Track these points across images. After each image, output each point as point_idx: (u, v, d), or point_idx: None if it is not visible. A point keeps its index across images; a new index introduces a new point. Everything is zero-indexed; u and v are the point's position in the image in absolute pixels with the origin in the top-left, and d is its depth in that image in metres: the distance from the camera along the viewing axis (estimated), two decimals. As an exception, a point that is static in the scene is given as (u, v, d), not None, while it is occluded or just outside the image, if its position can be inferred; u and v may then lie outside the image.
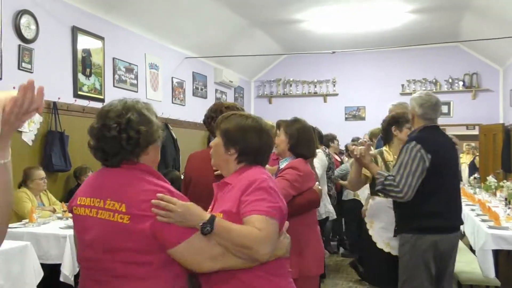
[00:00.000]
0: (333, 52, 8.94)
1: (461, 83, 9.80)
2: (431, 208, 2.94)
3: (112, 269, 1.62)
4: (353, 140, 7.39)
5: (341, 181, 6.65)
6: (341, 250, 7.11)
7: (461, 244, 4.98)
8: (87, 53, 5.95)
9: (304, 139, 2.81)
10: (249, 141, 1.88)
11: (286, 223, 1.88)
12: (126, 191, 1.61)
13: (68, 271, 3.72)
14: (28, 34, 5.01)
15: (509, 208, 4.65)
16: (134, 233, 1.57)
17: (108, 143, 1.65)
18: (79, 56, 5.81)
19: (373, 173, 3.15)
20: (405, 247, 3.04)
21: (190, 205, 1.62)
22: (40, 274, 3.55)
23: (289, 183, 2.58)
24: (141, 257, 1.59)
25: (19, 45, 4.93)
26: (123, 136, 1.63)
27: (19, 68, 4.93)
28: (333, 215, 5.34)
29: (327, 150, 5.85)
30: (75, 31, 5.72)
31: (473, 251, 4.44)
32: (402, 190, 2.90)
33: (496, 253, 3.79)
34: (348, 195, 6.80)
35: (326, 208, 5.13)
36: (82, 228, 1.69)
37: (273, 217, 1.68)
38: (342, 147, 8.19)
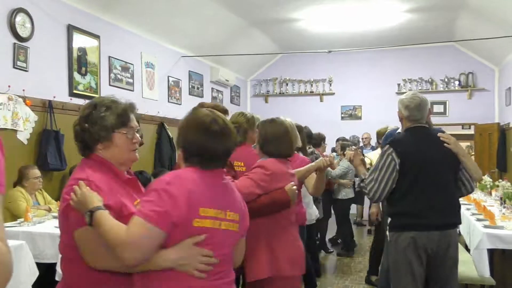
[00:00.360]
0: (330, 51, 8.94)
1: (457, 82, 9.83)
2: (407, 207, 3.00)
3: (60, 249, 1.80)
4: (343, 140, 7.40)
5: (340, 180, 6.63)
6: (332, 249, 7.05)
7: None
8: (83, 51, 5.93)
9: (273, 139, 2.76)
10: (189, 140, 1.78)
11: (198, 237, 1.63)
12: (70, 178, 1.80)
13: (63, 270, 3.71)
14: (23, 32, 4.99)
15: (504, 207, 4.67)
16: (60, 216, 1.74)
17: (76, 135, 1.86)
18: (75, 54, 5.78)
19: (359, 174, 3.30)
20: (390, 245, 3.13)
21: (87, 192, 1.64)
22: (36, 273, 3.54)
23: (253, 181, 2.56)
24: (68, 239, 1.71)
25: (14, 44, 4.91)
26: (77, 128, 1.83)
27: (14, 67, 4.91)
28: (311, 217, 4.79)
29: (310, 150, 5.58)
30: (70, 29, 5.70)
31: (468, 250, 4.45)
32: (370, 192, 3.05)
33: (491, 252, 3.80)
34: (348, 194, 6.76)
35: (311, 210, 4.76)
36: None
37: (151, 222, 1.55)
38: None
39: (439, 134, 3.08)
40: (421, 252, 2.97)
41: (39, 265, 3.64)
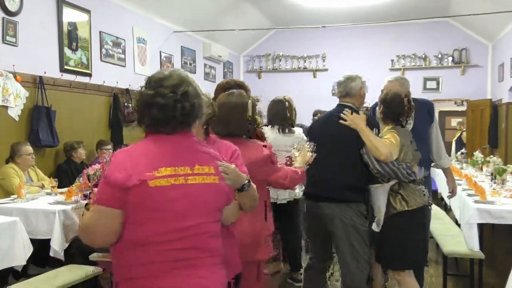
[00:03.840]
0: (323, 27, 8.86)
1: (450, 58, 9.81)
2: (308, 178, 3.08)
3: (209, 231, 1.69)
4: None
5: None
6: None
7: (446, 217, 5.07)
8: (73, 26, 5.83)
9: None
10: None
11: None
12: (203, 155, 1.72)
13: (58, 246, 3.72)
14: (12, 6, 4.89)
15: (494, 182, 4.71)
16: (224, 191, 1.75)
17: (160, 111, 1.64)
18: (65, 29, 5.69)
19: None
20: None
21: (235, 168, 1.83)
22: (30, 248, 3.55)
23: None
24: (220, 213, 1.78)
25: (3, 18, 4.82)
26: (178, 106, 1.64)
27: (3, 42, 4.83)
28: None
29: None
30: (60, 3, 5.59)
31: (458, 225, 4.51)
32: None
33: (481, 227, 3.86)
34: None
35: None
36: (167, 199, 1.61)
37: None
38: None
39: (344, 112, 3.03)
40: (314, 218, 3.17)
41: (33, 241, 3.64)
